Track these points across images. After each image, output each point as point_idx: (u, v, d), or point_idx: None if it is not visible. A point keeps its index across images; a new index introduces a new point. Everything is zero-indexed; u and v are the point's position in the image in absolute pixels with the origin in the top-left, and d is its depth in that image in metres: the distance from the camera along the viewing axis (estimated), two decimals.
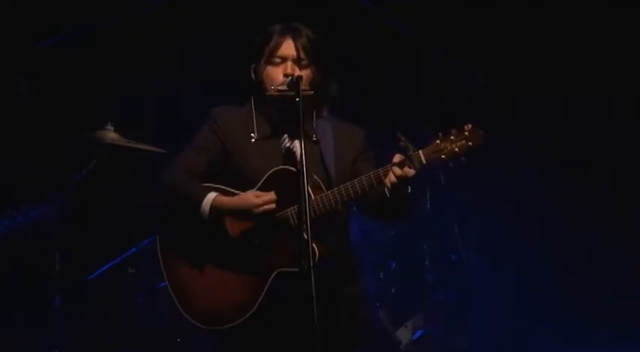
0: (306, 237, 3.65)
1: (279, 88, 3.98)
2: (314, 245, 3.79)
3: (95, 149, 5.65)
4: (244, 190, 3.98)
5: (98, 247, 6.32)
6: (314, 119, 4.12)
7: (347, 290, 4.09)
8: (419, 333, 6.47)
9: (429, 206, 6.62)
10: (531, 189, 6.96)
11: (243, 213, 3.93)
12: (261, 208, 3.90)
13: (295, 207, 3.88)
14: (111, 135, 5.64)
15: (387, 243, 6.51)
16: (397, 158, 3.81)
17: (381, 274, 6.42)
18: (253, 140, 4.06)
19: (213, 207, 3.94)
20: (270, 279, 3.92)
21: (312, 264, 3.61)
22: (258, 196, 3.91)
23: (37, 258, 6.06)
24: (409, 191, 3.87)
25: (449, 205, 6.73)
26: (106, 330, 6.38)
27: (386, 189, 3.86)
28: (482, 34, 6.88)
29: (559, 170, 6.95)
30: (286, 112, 3.97)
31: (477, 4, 6.89)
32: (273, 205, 3.91)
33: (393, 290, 6.46)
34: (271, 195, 3.91)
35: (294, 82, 3.93)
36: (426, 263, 6.56)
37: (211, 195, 3.95)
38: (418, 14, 6.84)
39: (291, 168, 3.94)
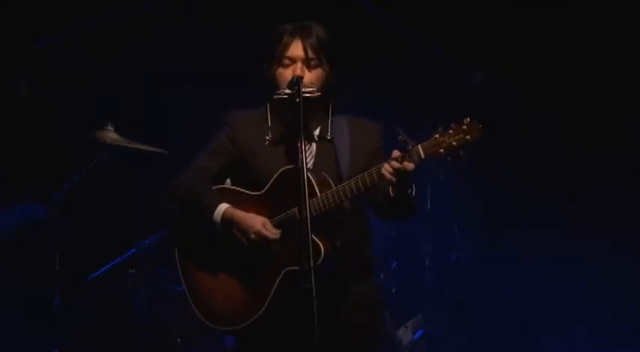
0: (307, 238, 3.65)
1: (283, 91, 3.96)
2: (320, 243, 3.81)
3: (95, 149, 5.66)
4: (258, 191, 4.02)
5: (98, 247, 6.32)
6: (329, 117, 4.12)
7: (357, 289, 4.06)
8: (419, 333, 6.48)
9: (429, 206, 6.62)
10: (531, 189, 6.95)
11: (246, 230, 3.95)
12: (257, 236, 3.92)
13: None
14: (111, 135, 5.65)
15: (387, 243, 6.51)
16: (395, 153, 3.79)
17: (381, 274, 6.42)
18: (267, 142, 4.07)
19: (224, 220, 3.98)
20: (279, 278, 3.92)
21: (313, 264, 3.61)
22: (265, 227, 3.93)
23: (37, 258, 6.07)
24: (413, 190, 3.85)
25: (449, 205, 6.73)
26: (106, 330, 6.38)
27: (390, 188, 3.85)
28: (482, 32, 6.88)
29: (559, 169, 6.94)
30: (296, 114, 3.93)
31: (477, 3, 6.89)
32: (271, 238, 3.93)
33: (393, 290, 6.46)
34: (274, 237, 3.92)
35: (295, 83, 3.92)
36: (426, 263, 6.56)
37: (222, 207, 3.99)
38: (418, 13, 6.83)
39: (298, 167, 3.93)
